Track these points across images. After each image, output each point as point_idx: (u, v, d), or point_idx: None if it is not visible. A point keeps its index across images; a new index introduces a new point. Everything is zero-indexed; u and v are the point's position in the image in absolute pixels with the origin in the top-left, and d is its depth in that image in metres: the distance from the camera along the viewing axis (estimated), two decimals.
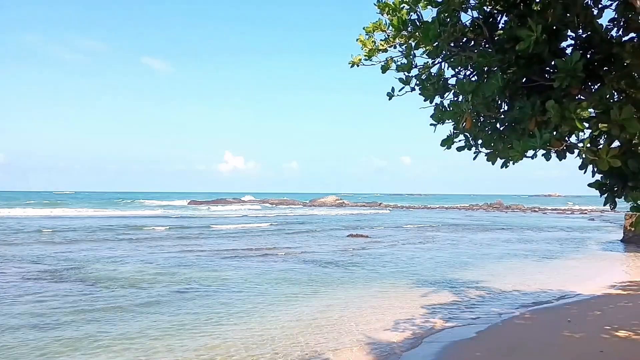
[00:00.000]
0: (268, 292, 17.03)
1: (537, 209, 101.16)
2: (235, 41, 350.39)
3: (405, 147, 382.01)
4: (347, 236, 39.72)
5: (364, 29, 7.13)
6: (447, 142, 6.41)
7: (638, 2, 4.53)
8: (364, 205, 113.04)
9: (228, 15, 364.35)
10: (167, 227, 46.10)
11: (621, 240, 37.48)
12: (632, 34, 5.68)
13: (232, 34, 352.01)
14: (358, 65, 7.39)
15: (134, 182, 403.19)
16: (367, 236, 39.77)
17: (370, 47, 7.12)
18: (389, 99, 6.83)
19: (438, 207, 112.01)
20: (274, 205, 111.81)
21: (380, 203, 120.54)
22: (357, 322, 13.12)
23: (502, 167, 6.04)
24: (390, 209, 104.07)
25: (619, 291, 17.51)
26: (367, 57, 7.23)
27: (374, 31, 7.08)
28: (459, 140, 6.43)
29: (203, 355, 10.55)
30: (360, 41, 7.11)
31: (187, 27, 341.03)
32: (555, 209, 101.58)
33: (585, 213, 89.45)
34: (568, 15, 5.65)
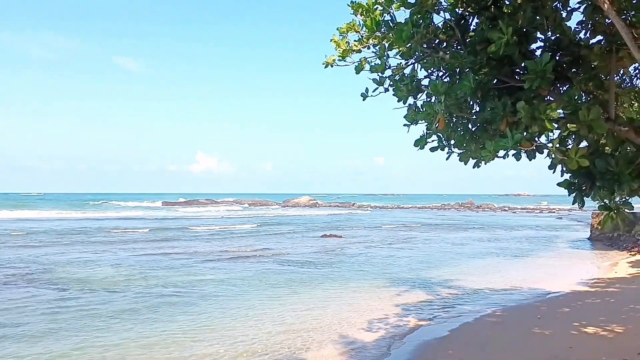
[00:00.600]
0: (246, 295, 16.86)
1: (507, 208, 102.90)
2: (208, 40, 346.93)
3: (379, 148, 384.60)
4: (321, 236, 39.74)
5: (337, 29, 7.15)
6: (420, 143, 6.47)
7: (605, 4, 4.63)
8: (337, 206, 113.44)
9: (202, 13, 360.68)
10: (143, 230, 45.44)
11: (588, 239, 38.34)
12: (599, 37, 5.82)
13: (204, 32, 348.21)
14: (332, 66, 7.40)
15: (104, 183, 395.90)
16: (341, 236, 39.85)
17: (344, 48, 7.14)
18: (363, 100, 6.86)
19: (411, 207, 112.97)
20: (249, 206, 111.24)
21: (354, 203, 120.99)
22: (334, 323, 13.11)
23: (474, 167, 6.13)
24: (364, 209, 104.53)
25: (587, 288, 17.91)
26: (341, 58, 7.25)
27: (347, 32, 7.10)
28: (432, 141, 6.50)
29: None
30: (334, 42, 7.12)
31: (159, 25, 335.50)
32: (524, 208, 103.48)
33: (554, 212, 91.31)
34: (538, 18, 5.76)
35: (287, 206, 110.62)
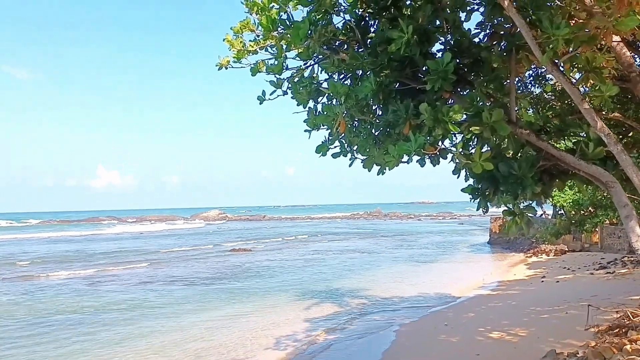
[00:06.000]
0: (145, 319, 15.71)
1: (412, 216, 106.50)
2: (103, 47, 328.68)
3: (289, 158, 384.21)
4: (230, 251, 38.61)
5: (231, 28, 6.61)
6: (322, 149, 6.08)
7: (505, 2, 4.47)
8: (247, 219, 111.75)
9: (92, 18, 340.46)
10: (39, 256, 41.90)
11: (488, 242, 40.28)
12: (499, 39, 5.73)
13: (97, 38, 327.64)
14: (227, 68, 6.84)
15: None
16: (250, 250, 38.99)
17: (239, 48, 6.61)
18: (260, 103, 6.36)
19: (321, 217, 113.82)
20: (153, 222, 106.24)
21: (264, 215, 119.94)
22: (240, 344, 12.42)
23: (378, 173, 5.79)
24: (275, 221, 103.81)
25: (489, 292, 18.46)
26: (236, 59, 6.71)
27: (242, 31, 6.57)
28: (335, 147, 6.13)
29: None
30: (228, 41, 6.57)
31: (51, 33, 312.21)
32: (428, 215, 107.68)
33: (456, 218, 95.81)
34: (437, 20, 5.58)
35: (195, 220, 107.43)
